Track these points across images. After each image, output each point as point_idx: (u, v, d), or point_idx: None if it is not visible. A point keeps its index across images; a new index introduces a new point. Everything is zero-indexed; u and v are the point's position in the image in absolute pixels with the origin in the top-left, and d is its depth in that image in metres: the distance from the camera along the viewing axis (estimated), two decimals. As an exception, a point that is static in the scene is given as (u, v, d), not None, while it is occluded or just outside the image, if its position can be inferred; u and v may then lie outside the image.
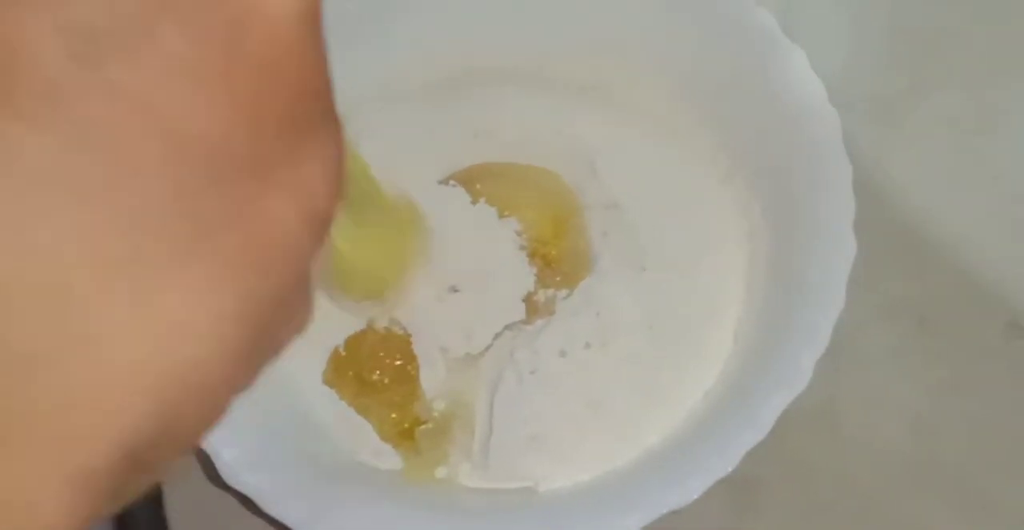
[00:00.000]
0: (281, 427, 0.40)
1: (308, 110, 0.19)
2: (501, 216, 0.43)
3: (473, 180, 0.43)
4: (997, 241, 0.45)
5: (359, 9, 0.42)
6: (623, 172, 0.44)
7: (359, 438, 0.42)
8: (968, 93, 0.47)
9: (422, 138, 0.44)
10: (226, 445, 0.38)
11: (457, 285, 0.42)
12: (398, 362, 0.42)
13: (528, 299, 0.42)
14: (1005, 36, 0.47)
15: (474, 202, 0.43)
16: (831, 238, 0.40)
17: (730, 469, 0.37)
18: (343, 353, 0.42)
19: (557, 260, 0.43)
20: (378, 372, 0.42)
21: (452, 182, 0.43)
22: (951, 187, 0.46)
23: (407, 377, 0.42)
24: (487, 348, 0.42)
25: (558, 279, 0.43)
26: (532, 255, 0.43)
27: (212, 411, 0.19)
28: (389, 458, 0.42)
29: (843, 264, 0.39)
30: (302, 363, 0.42)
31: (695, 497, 0.37)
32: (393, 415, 0.42)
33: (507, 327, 0.42)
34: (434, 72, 0.44)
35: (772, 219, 0.42)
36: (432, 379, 0.42)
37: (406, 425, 0.42)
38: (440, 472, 0.41)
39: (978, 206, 0.46)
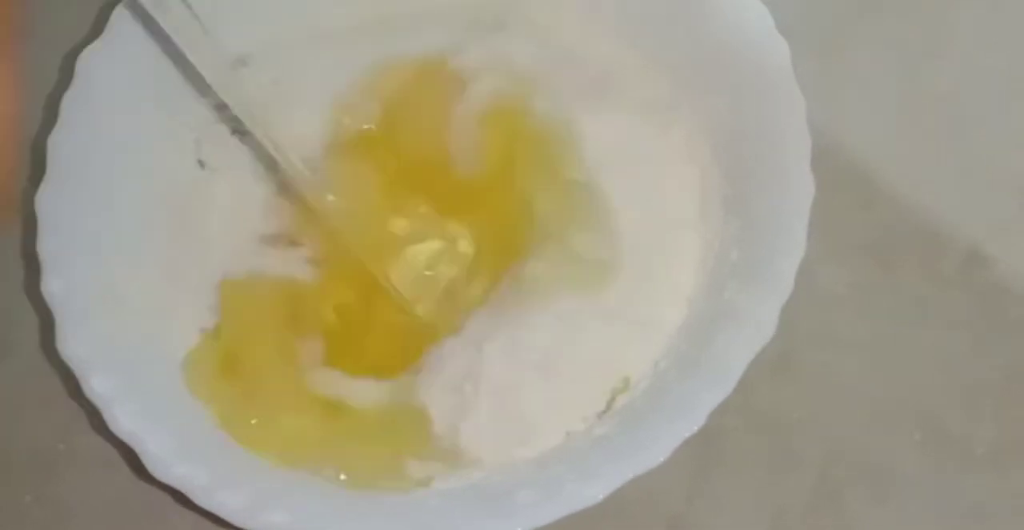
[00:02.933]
0: (203, 416, 0.38)
1: None
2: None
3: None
4: (950, 170, 0.44)
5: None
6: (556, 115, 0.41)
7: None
8: (914, 16, 0.45)
9: (348, 81, 0.42)
10: (152, 437, 0.36)
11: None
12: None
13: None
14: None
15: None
16: (788, 179, 0.38)
17: (696, 428, 0.36)
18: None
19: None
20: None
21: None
22: (899, 116, 0.44)
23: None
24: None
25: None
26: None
27: None
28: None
29: (802, 206, 0.37)
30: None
31: (661, 460, 0.35)
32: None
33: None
34: (347, 15, 0.42)
35: (724, 161, 0.40)
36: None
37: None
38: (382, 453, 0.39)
39: (928, 135, 0.44)
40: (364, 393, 0.39)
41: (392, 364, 0.40)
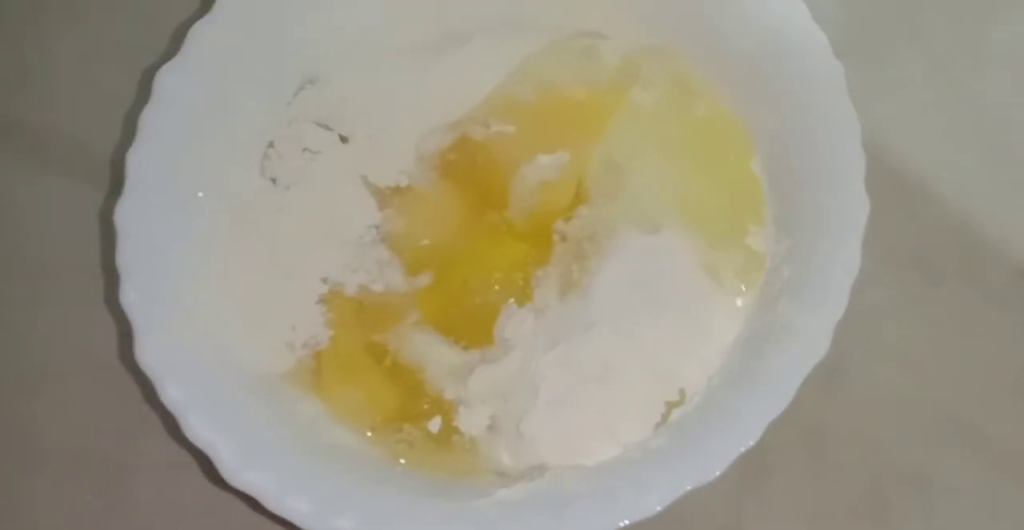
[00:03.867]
0: (276, 422, 0.39)
1: None
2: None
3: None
4: (996, 184, 0.44)
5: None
6: (626, 130, 0.42)
7: (353, 428, 0.40)
8: (956, 31, 0.46)
9: (406, 95, 0.43)
10: (224, 443, 0.37)
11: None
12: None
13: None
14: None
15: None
16: (842, 197, 0.38)
17: (752, 443, 0.36)
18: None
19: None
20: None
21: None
22: (946, 130, 0.45)
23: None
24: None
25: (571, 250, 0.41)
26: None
27: None
28: (389, 446, 0.40)
29: (857, 225, 0.38)
30: (275, 357, 0.41)
31: (718, 474, 0.36)
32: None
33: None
34: (424, 29, 0.43)
35: (776, 179, 0.41)
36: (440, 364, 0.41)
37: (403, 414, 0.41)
38: (456, 455, 0.40)
39: (974, 148, 0.45)
40: (443, 359, 0.41)
41: (472, 327, 0.41)
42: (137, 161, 0.39)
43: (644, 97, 0.42)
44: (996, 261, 0.43)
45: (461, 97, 0.42)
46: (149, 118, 0.39)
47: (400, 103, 0.42)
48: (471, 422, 0.40)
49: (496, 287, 0.41)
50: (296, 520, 0.36)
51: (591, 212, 0.41)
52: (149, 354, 0.37)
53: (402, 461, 0.40)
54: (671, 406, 0.39)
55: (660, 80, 0.42)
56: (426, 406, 0.40)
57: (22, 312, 0.44)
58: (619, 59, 0.43)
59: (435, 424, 0.40)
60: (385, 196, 0.42)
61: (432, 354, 0.41)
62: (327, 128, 0.42)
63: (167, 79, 0.39)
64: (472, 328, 0.41)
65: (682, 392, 0.40)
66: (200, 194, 0.40)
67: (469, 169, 0.42)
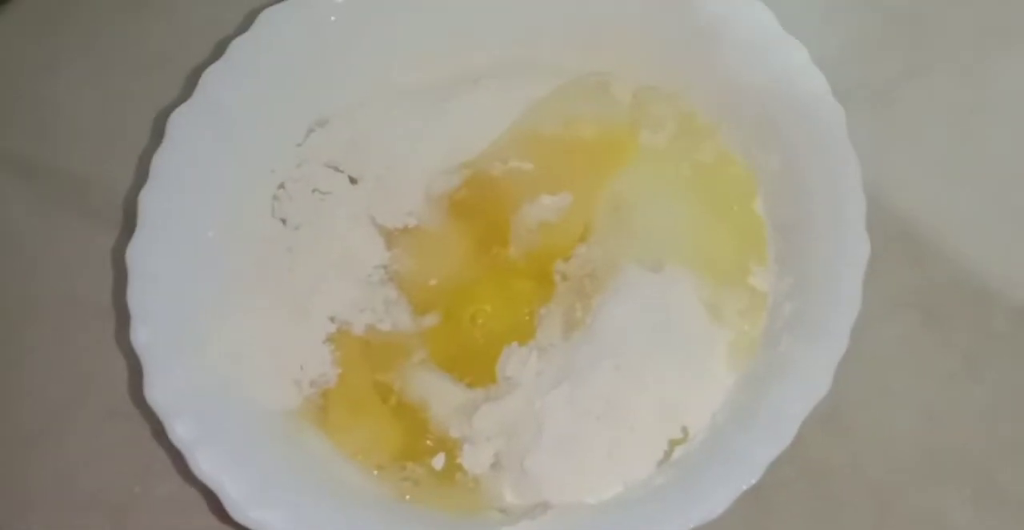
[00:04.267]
0: (283, 460, 0.39)
1: None
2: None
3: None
4: (999, 227, 0.45)
5: (352, 14, 0.42)
6: (632, 170, 0.43)
7: (360, 466, 0.41)
8: (962, 75, 0.46)
9: (416, 137, 0.44)
10: (232, 481, 0.37)
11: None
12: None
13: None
14: (992, 14, 0.47)
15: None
16: (843, 238, 0.39)
17: (753, 481, 0.36)
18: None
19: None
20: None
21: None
22: (949, 173, 0.45)
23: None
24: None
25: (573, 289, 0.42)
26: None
27: None
28: (395, 483, 0.40)
29: (858, 265, 0.38)
30: (283, 395, 0.41)
31: (719, 512, 0.36)
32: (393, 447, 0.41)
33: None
34: (433, 72, 0.44)
35: (778, 218, 0.41)
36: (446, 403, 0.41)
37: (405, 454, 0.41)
38: (460, 492, 0.40)
39: (977, 191, 0.45)
40: (448, 397, 0.41)
41: (476, 366, 0.41)
42: (149, 201, 0.39)
43: (652, 138, 0.43)
44: (998, 302, 0.44)
45: (470, 139, 0.43)
46: (162, 159, 0.40)
47: (409, 145, 0.43)
48: (475, 460, 0.40)
49: (500, 325, 0.42)
50: (303, 557, 0.37)
51: (589, 251, 0.42)
52: (158, 392, 0.38)
53: (408, 498, 0.40)
54: (674, 444, 0.40)
55: (667, 121, 0.43)
56: (430, 443, 0.41)
57: (34, 349, 0.45)
58: (630, 97, 0.44)
59: (439, 462, 0.40)
60: (393, 236, 0.43)
61: (437, 392, 0.41)
62: (337, 170, 0.43)
63: (180, 121, 0.40)
64: (476, 366, 0.41)
65: (685, 430, 0.40)
66: (211, 234, 0.40)
67: (477, 203, 0.43)
